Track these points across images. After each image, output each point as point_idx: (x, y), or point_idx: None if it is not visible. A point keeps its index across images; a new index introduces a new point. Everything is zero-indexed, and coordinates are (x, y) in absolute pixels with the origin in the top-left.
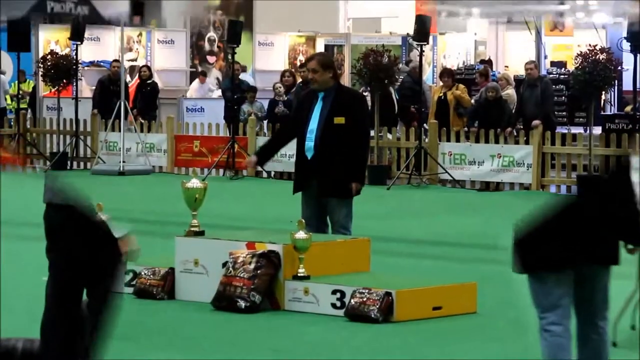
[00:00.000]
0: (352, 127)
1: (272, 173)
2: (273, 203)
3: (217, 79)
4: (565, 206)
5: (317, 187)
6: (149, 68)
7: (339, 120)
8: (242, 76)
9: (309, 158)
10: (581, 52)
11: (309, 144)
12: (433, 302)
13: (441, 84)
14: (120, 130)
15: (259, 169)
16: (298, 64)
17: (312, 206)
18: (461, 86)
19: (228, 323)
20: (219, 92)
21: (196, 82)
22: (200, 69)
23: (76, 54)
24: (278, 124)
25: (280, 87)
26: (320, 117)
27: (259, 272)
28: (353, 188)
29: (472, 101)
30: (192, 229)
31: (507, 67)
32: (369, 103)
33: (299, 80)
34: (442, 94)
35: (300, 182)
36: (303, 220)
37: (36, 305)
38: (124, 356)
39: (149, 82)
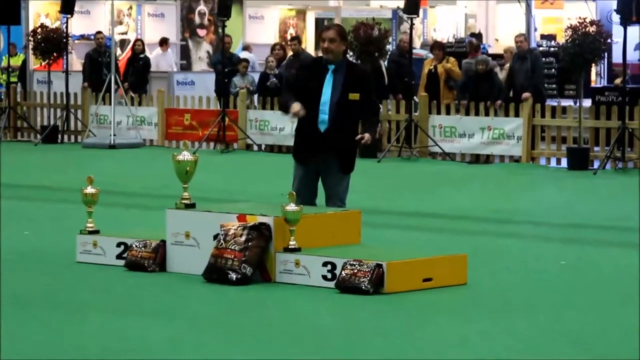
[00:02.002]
0: (364, 102)
1: (263, 146)
2: (264, 176)
3: (208, 52)
4: None
5: (327, 161)
6: (142, 42)
7: (354, 96)
8: (244, 54)
9: (322, 131)
10: (571, 24)
11: (323, 117)
12: (423, 274)
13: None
14: (110, 104)
15: (249, 141)
16: (288, 37)
17: (309, 178)
18: (452, 59)
19: (219, 295)
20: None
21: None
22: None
23: (66, 27)
24: (269, 97)
25: (272, 61)
26: (333, 91)
27: (250, 244)
28: (365, 138)
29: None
30: (183, 201)
31: (497, 40)
32: None
33: (290, 53)
34: (432, 67)
35: (307, 153)
36: (294, 193)
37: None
38: (115, 328)
39: (141, 56)
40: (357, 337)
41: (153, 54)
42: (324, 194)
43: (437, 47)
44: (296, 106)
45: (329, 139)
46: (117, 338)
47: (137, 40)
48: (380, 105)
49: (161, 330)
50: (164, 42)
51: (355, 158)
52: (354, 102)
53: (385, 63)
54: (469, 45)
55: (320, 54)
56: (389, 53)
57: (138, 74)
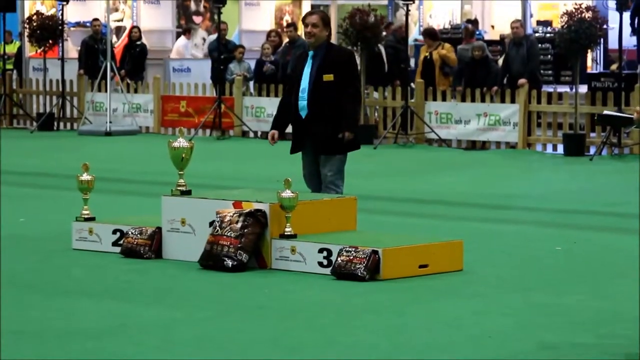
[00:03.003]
0: (341, 83)
1: (259, 133)
2: (259, 163)
3: (203, 39)
4: None
5: (314, 145)
6: (139, 29)
7: (328, 77)
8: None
9: (303, 117)
10: (567, 10)
11: (302, 103)
12: (419, 260)
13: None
14: (106, 91)
15: (245, 128)
16: (284, 24)
17: (311, 164)
18: (447, 45)
19: (215, 282)
20: (202, 51)
21: (182, 39)
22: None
23: (62, 15)
24: (265, 84)
25: (268, 48)
26: (310, 75)
27: (245, 231)
28: (345, 136)
29: None
30: (179, 188)
31: (492, 26)
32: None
33: (286, 40)
34: (428, 54)
35: (297, 141)
36: (289, 179)
37: None
38: (111, 315)
39: (138, 43)
40: (349, 315)
41: (179, 42)
42: None
43: (428, 34)
44: (269, 136)
45: (310, 123)
46: (111, 320)
47: (133, 27)
48: (360, 87)
49: (157, 316)
50: (187, 31)
51: (343, 141)
52: (329, 83)
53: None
54: (465, 32)
55: None
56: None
57: (134, 61)
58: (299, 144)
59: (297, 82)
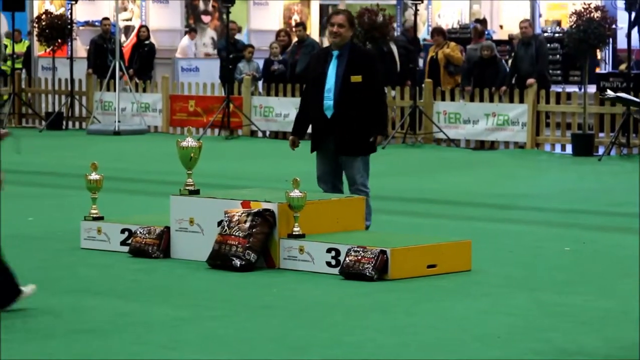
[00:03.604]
0: (368, 85)
1: (267, 132)
2: (268, 162)
3: (212, 38)
4: None
5: (338, 145)
6: (147, 28)
7: (356, 78)
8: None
9: (328, 117)
10: (576, 10)
11: (328, 102)
12: (428, 260)
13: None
14: (115, 90)
15: (254, 128)
16: (293, 23)
17: (329, 164)
18: (452, 44)
19: (223, 281)
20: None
21: (186, 38)
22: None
23: (71, 14)
24: (274, 84)
25: (276, 47)
26: (337, 75)
27: (254, 230)
28: (377, 140)
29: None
30: (188, 187)
31: (501, 26)
32: None
33: (295, 39)
34: (434, 53)
35: (319, 140)
36: (298, 179)
37: None
38: (118, 314)
39: (146, 42)
40: (357, 315)
41: (182, 42)
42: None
43: (437, 33)
44: (290, 141)
45: (337, 123)
46: (118, 319)
47: (141, 26)
48: (385, 89)
49: (165, 316)
50: (192, 30)
51: (369, 141)
52: (357, 84)
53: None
54: (474, 31)
55: (325, 40)
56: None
57: (143, 61)
58: (320, 143)
59: (320, 81)
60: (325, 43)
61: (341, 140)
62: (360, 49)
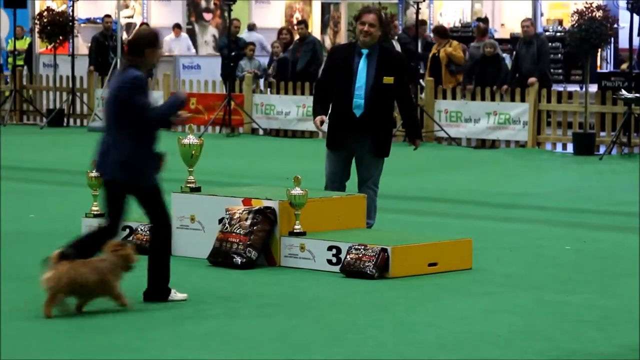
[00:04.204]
0: (399, 87)
1: (269, 130)
2: (269, 160)
3: (214, 36)
4: None
5: (370, 146)
6: (148, 25)
7: (388, 80)
8: (250, 35)
9: (357, 115)
10: (577, 9)
11: (358, 101)
12: (428, 259)
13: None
14: None
15: (255, 126)
16: (294, 21)
17: (342, 162)
18: (454, 43)
19: (224, 279)
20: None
21: (170, 36)
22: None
23: (72, 11)
24: (275, 81)
25: (277, 47)
26: (368, 75)
27: (255, 228)
28: (417, 144)
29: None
30: (189, 185)
31: (503, 24)
32: None
33: (296, 37)
34: (436, 51)
35: (342, 138)
36: (299, 177)
37: None
38: (120, 311)
39: None
40: (358, 313)
41: (166, 38)
42: (357, 178)
43: (437, 32)
44: (317, 120)
45: (365, 123)
46: (119, 316)
47: (142, 24)
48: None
49: (165, 313)
50: (176, 27)
51: (391, 142)
52: (389, 85)
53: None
54: (477, 30)
55: (327, 38)
56: (395, 37)
57: None
58: (343, 141)
59: (348, 78)
60: (327, 41)
61: (374, 141)
62: (391, 51)
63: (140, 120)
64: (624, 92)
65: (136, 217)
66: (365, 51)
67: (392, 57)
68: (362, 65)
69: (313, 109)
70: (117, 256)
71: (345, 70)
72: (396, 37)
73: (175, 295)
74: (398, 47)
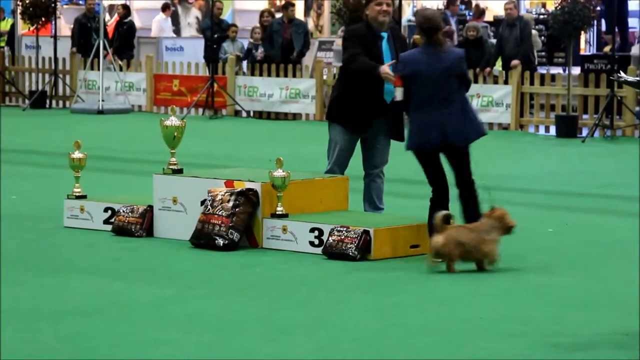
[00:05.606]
0: None
1: (252, 112)
2: (252, 142)
3: (197, 18)
4: None
5: (390, 130)
6: (125, 7)
7: None
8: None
9: (388, 102)
10: None
11: (390, 87)
12: (410, 241)
13: None
14: (99, 69)
15: (238, 108)
16: (277, 3)
17: (352, 149)
18: None
19: (206, 260)
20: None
21: (160, 15)
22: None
23: None
24: (258, 64)
25: (258, 32)
26: (393, 59)
27: (237, 210)
28: None
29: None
30: (171, 167)
31: (486, 8)
32: None
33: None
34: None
35: (367, 123)
36: (282, 159)
37: None
38: (102, 293)
39: (126, 21)
40: (340, 295)
41: (156, 18)
42: (369, 163)
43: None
44: (386, 66)
45: (391, 109)
46: (102, 298)
47: (120, 5)
48: None
49: (148, 294)
50: (166, 8)
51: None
52: None
53: None
54: (475, 10)
55: (310, 20)
56: None
57: (123, 39)
58: (368, 126)
59: (378, 63)
60: (310, 23)
61: (393, 125)
62: (399, 32)
63: (466, 90)
64: (622, 74)
65: (118, 199)
66: (385, 34)
67: (402, 39)
68: (385, 50)
69: (368, 66)
70: (493, 218)
71: (373, 56)
72: None
73: None
74: None
